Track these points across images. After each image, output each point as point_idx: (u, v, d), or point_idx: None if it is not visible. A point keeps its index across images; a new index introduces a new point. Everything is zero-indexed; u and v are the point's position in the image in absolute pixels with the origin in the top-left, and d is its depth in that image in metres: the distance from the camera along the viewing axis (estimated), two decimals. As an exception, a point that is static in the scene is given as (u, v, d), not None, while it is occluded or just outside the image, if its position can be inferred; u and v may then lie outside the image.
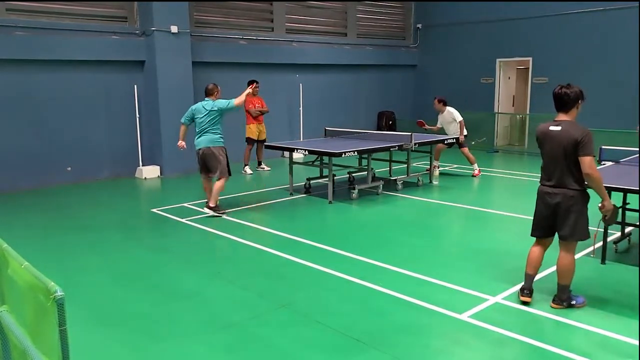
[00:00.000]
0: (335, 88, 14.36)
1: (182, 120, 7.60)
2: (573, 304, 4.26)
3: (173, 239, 6.48)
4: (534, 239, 4.54)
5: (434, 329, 4.01)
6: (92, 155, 10.24)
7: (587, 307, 4.30)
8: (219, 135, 7.37)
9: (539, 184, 4.35)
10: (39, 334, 2.04)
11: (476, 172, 10.11)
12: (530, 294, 4.36)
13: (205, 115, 7.29)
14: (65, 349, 1.81)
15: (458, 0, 15.02)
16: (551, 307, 4.26)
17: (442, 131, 10.33)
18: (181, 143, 7.67)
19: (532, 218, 4.46)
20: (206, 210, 7.43)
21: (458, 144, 9.95)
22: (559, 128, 4.12)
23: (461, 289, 4.67)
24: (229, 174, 7.43)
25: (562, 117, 4.18)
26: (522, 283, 4.46)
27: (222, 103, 7.30)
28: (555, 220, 4.23)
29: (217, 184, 7.36)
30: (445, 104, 10.07)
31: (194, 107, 7.51)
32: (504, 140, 14.80)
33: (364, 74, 15.09)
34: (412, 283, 4.87)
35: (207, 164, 7.39)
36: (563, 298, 4.25)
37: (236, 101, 7.28)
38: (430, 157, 9.66)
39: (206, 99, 7.42)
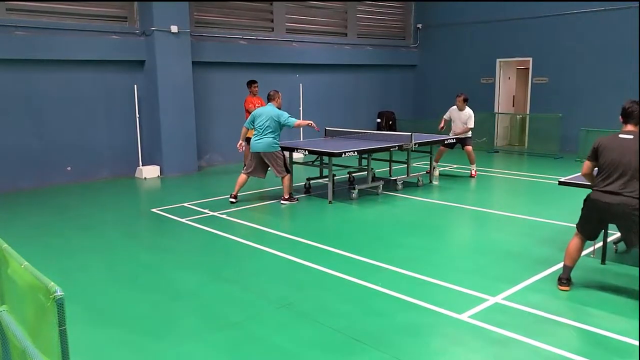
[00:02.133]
0: (335, 88, 14.36)
1: (246, 125, 8.13)
2: None
3: (173, 239, 6.48)
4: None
5: (434, 329, 4.01)
6: (92, 155, 10.25)
7: (587, 307, 4.30)
8: (277, 141, 7.91)
9: (595, 193, 4.45)
10: (38, 333, 2.04)
11: (473, 172, 10.11)
12: (568, 283, 4.64)
13: (266, 120, 7.78)
14: (65, 348, 1.81)
15: (458, 0, 15.03)
16: None
17: (445, 131, 10.37)
18: (241, 144, 8.25)
19: (580, 217, 4.63)
20: (283, 202, 8.07)
21: (462, 142, 9.96)
22: (630, 136, 4.34)
23: (461, 289, 4.67)
24: (288, 172, 8.08)
25: (630, 128, 4.41)
26: (560, 274, 4.72)
27: (283, 116, 7.80)
28: (607, 225, 4.52)
29: (284, 182, 8.07)
30: (466, 103, 10.04)
31: (255, 112, 8.03)
32: (504, 140, 14.79)
33: (364, 74, 15.10)
34: (412, 283, 4.87)
35: (262, 165, 8.02)
36: None
37: (296, 123, 7.87)
38: (431, 158, 9.64)
39: (269, 104, 7.95)
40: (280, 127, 7.85)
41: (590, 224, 4.57)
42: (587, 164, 4.64)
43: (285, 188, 8.06)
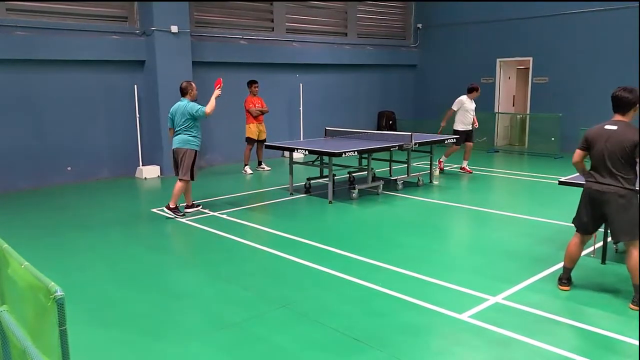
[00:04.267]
0: (336, 88, 14.36)
1: (168, 125, 7.49)
2: None
3: (173, 239, 6.48)
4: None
5: (434, 329, 4.01)
6: (92, 155, 10.24)
7: (587, 307, 4.30)
8: (193, 138, 7.22)
9: (587, 182, 4.44)
10: (39, 333, 2.04)
11: (467, 167, 10.25)
12: (568, 283, 4.65)
13: (181, 116, 7.16)
14: (65, 348, 1.82)
15: (458, 0, 15.02)
16: (630, 308, 4.25)
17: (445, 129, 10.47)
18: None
19: (576, 213, 4.60)
20: (166, 210, 7.42)
21: (467, 136, 10.19)
22: (615, 127, 4.25)
23: (461, 289, 4.67)
24: (192, 179, 7.34)
25: (618, 117, 4.32)
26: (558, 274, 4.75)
27: (192, 108, 7.10)
28: (601, 219, 4.41)
29: (177, 185, 7.33)
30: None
31: (171, 110, 7.34)
32: (504, 140, 14.80)
33: (364, 74, 15.09)
34: (412, 283, 4.87)
35: (176, 163, 7.34)
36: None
37: (207, 109, 7.05)
38: (431, 157, 9.62)
39: (182, 98, 7.29)
40: (195, 121, 7.16)
41: (584, 215, 4.50)
42: (577, 152, 4.55)
43: (174, 195, 7.30)
